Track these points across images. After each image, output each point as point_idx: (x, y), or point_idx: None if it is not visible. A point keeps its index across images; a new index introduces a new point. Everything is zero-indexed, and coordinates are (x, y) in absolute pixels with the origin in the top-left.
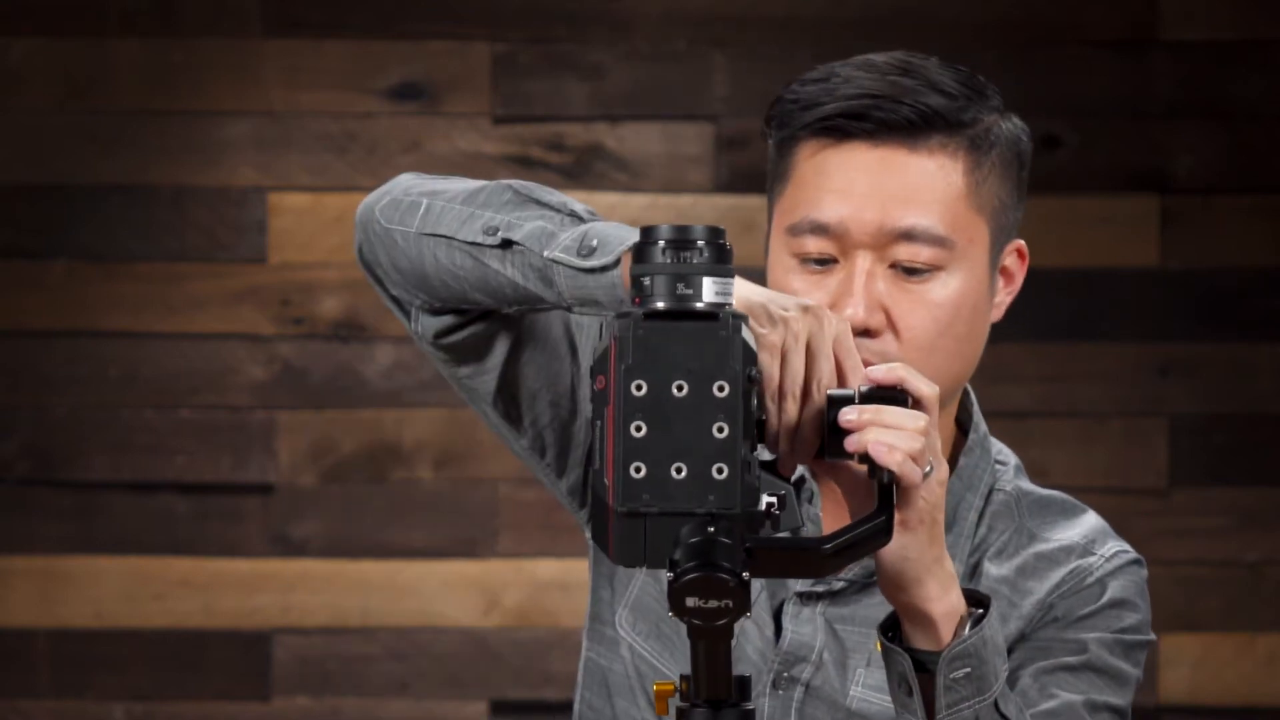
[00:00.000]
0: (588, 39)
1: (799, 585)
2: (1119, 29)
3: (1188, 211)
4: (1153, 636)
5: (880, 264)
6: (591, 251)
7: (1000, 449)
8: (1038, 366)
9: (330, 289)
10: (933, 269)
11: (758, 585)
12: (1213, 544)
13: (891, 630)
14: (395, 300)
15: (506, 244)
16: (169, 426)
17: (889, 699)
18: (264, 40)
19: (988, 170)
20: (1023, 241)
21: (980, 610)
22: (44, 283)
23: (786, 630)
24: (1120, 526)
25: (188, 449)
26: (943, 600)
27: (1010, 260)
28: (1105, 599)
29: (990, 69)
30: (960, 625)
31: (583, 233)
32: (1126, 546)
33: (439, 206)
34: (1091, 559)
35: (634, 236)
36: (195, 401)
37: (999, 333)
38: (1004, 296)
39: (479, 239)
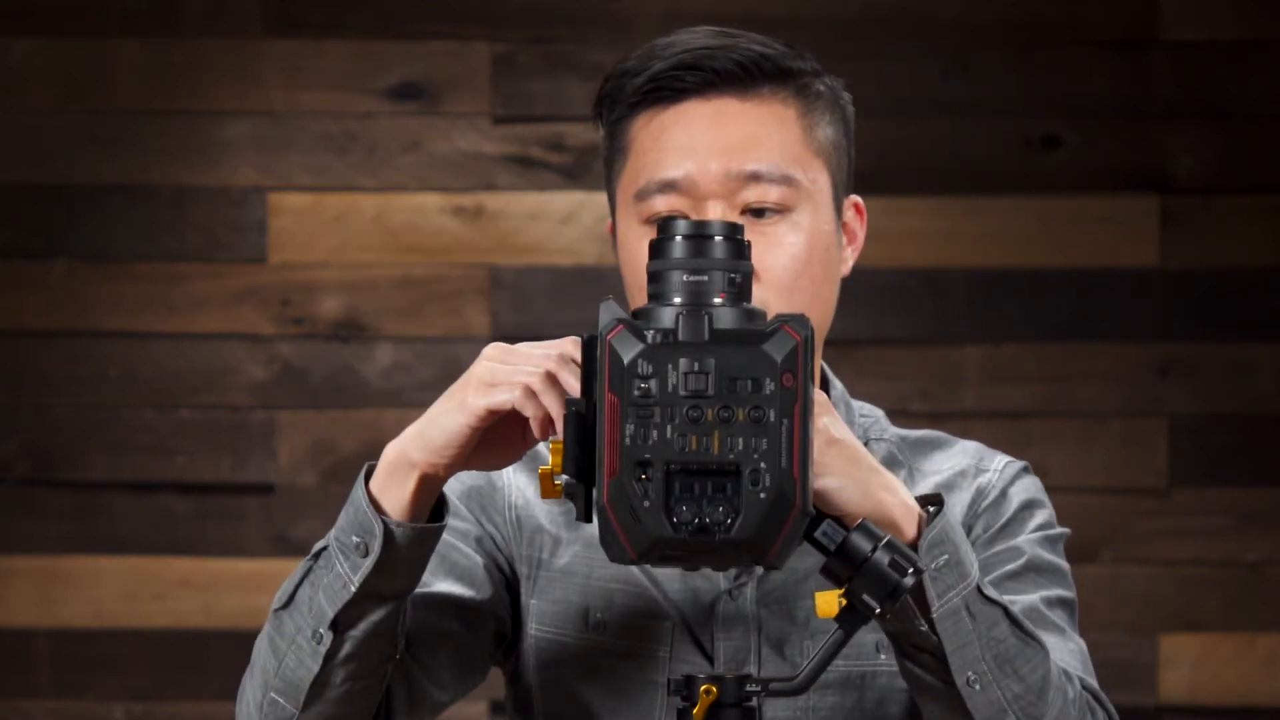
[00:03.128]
0: (588, 39)
1: (724, 583)
2: (1119, 29)
3: (1188, 211)
4: (1067, 530)
5: (731, 211)
6: (365, 548)
7: (862, 405)
8: (1038, 366)
9: (330, 289)
10: (783, 209)
11: (685, 609)
12: (1213, 544)
13: None
14: None
15: (334, 629)
16: (169, 426)
17: (841, 661)
18: (264, 40)
19: (818, 116)
20: (859, 198)
21: (935, 506)
22: (44, 283)
23: (718, 644)
24: (1120, 526)
25: (188, 449)
26: (896, 501)
27: (850, 215)
28: (1015, 505)
29: (990, 69)
30: (922, 522)
31: (336, 549)
32: (1011, 457)
33: (278, 683)
34: (987, 475)
35: (358, 493)
36: (195, 401)
37: (1000, 333)
38: (849, 253)
39: (317, 645)
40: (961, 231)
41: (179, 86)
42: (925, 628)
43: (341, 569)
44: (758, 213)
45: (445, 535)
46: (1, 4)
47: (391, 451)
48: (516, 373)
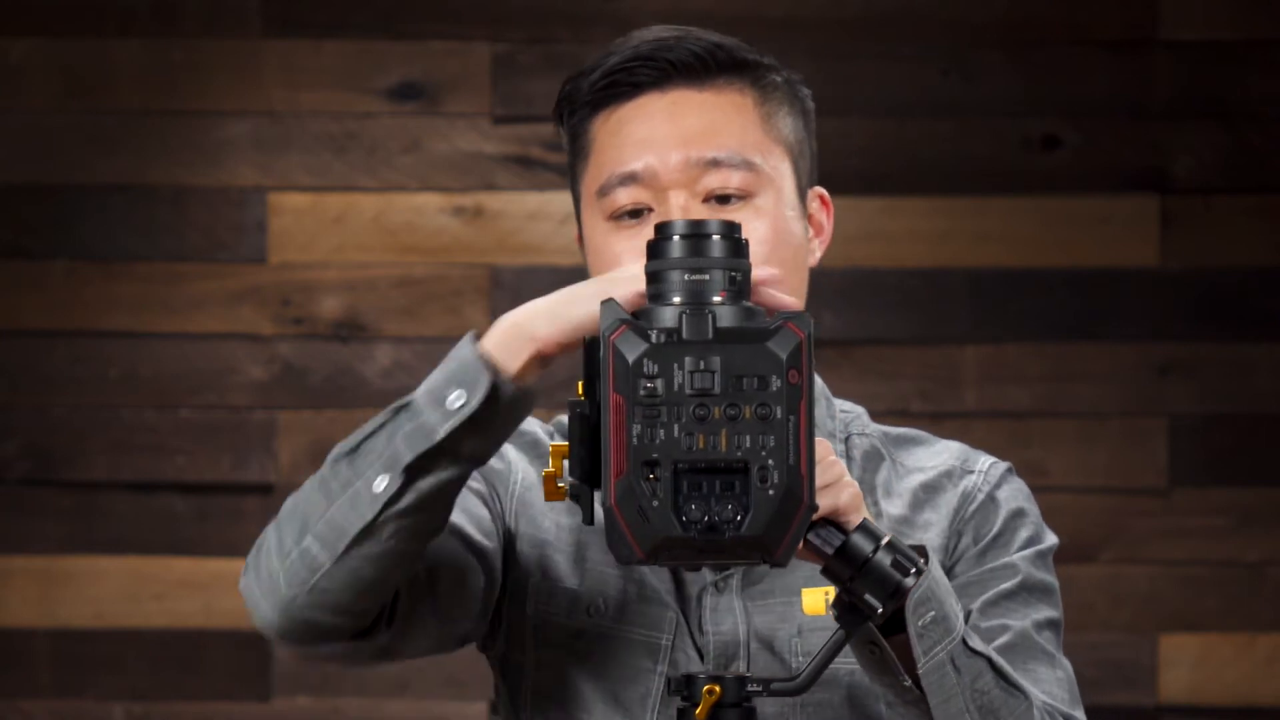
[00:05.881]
0: (588, 39)
1: (710, 576)
2: (1119, 29)
3: (1188, 211)
4: (1055, 539)
5: (694, 199)
6: (464, 400)
7: (842, 402)
8: (1038, 366)
9: (330, 289)
10: (745, 195)
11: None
12: (1213, 544)
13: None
14: (355, 642)
15: (405, 475)
16: (169, 426)
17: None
18: (264, 40)
19: (775, 106)
20: (824, 190)
21: (922, 560)
22: (44, 283)
23: (708, 633)
24: (1120, 526)
25: (188, 449)
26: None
27: (815, 207)
28: (1004, 513)
29: (990, 69)
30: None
31: (426, 401)
32: (995, 458)
33: (321, 527)
34: (972, 476)
35: (465, 350)
36: (195, 401)
37: (1000, 333)
38: (816, 245)
39: (377, 492)
40: (961, 231)
41: (179, 86)
42: (909, 683)
43: (429, 418)
44: (722, 199)
45: (464, 488)
46: (1, 4)
47: (509, 321)
48: None
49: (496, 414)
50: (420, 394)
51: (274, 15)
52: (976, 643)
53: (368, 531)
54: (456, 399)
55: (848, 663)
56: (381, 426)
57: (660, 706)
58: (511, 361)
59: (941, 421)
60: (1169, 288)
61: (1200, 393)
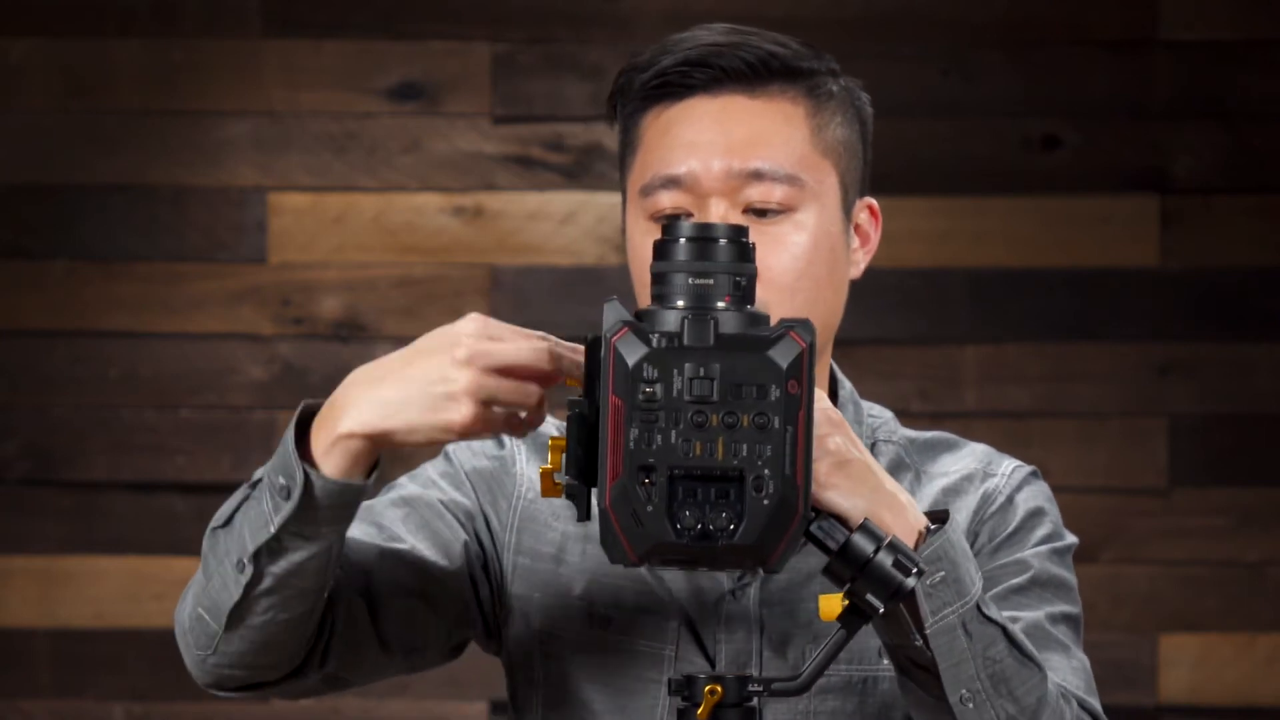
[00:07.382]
0: (588, 39)
1: (727, 583)
2: (1119, 29)
3: (1188, 211)
4: (1075, 539)
5: (734, 209)
6: (288, 492)
7: (871, 406)
8: (1038, 366)
9: (330, 289)
10: (786, 209)
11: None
12: (1213, 544)
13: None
14: (294, 677)
15: (255, 560)
16: (169, 426)
17: (844, 665)
18: (264, 40)
19: (828, 117)
20: (874, 200)
21: (938, 524)
22: (44, 283)
23: (720, 644)
24: (1120, 526)
25: (188, 449)
26: (899, 521)
27: (863, 218)
28: (1021, 513)
29: (990, 69)
30: (921, 539)
31: (266, 485)
32: (1019, 461)
33: (206, 600)
34: (994, 479)
35: (288, 436)
36: (195, 401)
37: (1000, 333)
38: (861, 255)
39: (239, 574)
40: (961, 231)
41: (179, 86)
42: (920, 643)
43: (266, 506)
44: (760, 213)
45: (436, 502)
46: (1, 4)
47: (341, 415)
48: (508, 393)
49: (322, 505)
50: (265, 473)
51: (274, 15)
52: (993, 611)
53: (241, 608)
54: (282, 491)
55: (860, 670)
56: (244, 501)
57: (668, 717)
58: (336, 462)
59: (942, 421)
60: (1169, 288)
61: (1200, 393)
